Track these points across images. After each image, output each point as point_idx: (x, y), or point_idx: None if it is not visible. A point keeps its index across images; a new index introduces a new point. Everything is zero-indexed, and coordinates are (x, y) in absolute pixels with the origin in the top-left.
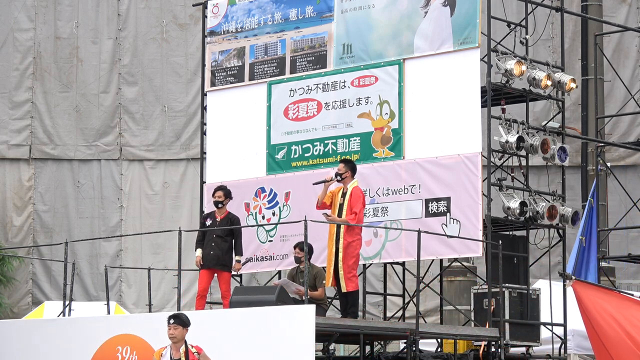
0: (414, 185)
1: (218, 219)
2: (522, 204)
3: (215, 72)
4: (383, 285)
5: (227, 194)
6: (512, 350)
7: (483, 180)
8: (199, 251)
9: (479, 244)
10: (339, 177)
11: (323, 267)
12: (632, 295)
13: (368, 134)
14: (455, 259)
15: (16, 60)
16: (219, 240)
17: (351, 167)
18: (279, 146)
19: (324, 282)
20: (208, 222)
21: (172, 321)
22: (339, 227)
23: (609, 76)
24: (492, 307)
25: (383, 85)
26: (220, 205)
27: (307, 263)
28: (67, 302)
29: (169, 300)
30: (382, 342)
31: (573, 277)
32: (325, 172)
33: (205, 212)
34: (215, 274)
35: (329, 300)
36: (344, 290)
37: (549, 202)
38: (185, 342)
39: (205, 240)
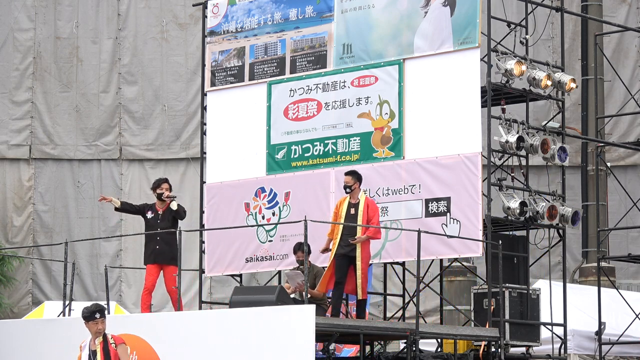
0: (414, 185)
1: (160, 212)
2: (522, 204)
3: (215, 72)
4: (383, 285)
5: (170, 188)
6: (512, 350)
7: (483, 180)
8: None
9: (479, 244)
10: (348, 190)
11: (323, 267)
12: None
13: (368, 134)
14: (455, 259)
15: (16, 60)
16: (164, 234)
17: (358, 177)
18: (279, 146)
19: None
20: (149, 215)
21: (98, 315)
22: (354, 235)
23: (609, 76)
24: (492, 307)
25: (383, 85)
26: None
27: (306, 262)
28: (67, 302)
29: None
30: (382, 342)
31: None
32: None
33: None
34: (162, 270)
35: (329, 300)
36: (360, 297)
37: (549, 202)
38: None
39: (149, 235)
